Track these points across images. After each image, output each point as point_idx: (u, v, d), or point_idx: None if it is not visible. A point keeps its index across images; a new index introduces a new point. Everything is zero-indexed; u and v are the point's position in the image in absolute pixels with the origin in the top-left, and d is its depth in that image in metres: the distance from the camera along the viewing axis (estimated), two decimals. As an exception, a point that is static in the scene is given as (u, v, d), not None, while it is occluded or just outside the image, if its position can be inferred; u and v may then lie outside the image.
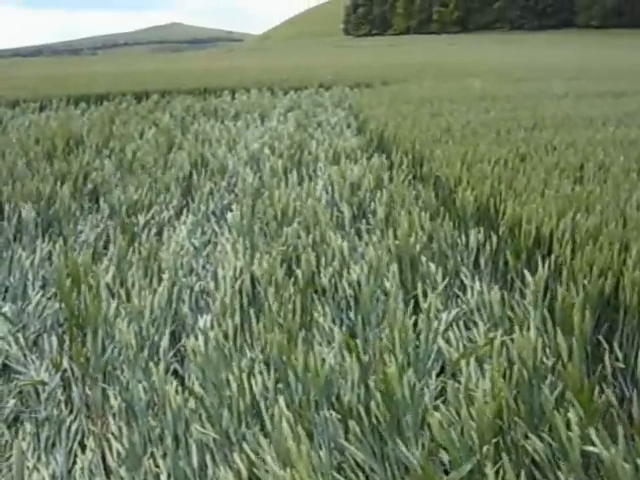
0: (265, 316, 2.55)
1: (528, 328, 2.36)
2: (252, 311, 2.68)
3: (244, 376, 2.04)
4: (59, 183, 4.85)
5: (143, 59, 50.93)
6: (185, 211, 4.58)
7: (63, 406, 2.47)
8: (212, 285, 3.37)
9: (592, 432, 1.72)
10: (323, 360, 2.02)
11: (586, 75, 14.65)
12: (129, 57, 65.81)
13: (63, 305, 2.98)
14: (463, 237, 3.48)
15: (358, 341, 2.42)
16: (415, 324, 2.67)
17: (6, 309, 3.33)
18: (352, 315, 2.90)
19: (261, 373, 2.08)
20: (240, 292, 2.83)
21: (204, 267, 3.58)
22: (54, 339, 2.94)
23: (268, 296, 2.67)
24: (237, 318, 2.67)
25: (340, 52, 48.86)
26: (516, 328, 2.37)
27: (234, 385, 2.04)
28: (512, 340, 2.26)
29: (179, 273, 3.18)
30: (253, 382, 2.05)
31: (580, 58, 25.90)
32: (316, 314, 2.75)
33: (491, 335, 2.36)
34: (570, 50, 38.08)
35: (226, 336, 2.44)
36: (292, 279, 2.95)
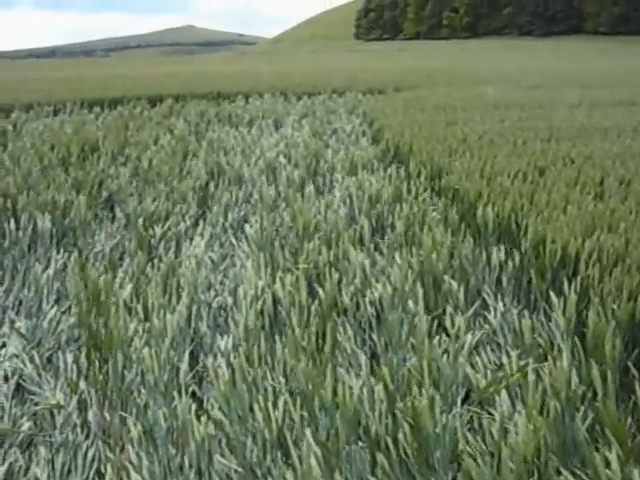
0: (288, 339, 2.49)
1: (556, 353, 2.28)
2: (274, 333, 2.62)
3: (269, 405, 1.97)
4: (74, 192, 4.81)
5: (156, 62, 51.02)
6: (202, 222, 4.51)
7: (79, 430, 2.39)
8: (230, 301, 3.31)
9: (634, 472, 1.64)
10: (351, 391, 1.94)
11: (598, 83, 14.53)
12: (142, 59, 65.95)
13: (79, 321, 2.93)
14: (484, 253, 3.40)
15: (383, 365, 2.35)
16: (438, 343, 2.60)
17: (20, 325, 3.27)
18: (375, 335, 2.83)
19: (286, 403, 2.01)
20: (261, 312, 2.76)
21: (222, 282, 3.51)
22: (69, 357, 2.88)
23: (292, 318, 2.59)
24: (258, 340, 2.59)
25: (351, 56, 48.78)
26: (545, 353, 2.29)
27: (258, 414, 1.97)
28: (542, 367, 2.18)
29: (198, 290, 3.11)
30: (278, 412, 1.98)
31: (590, 65, 25.74)
32: (339, 336, 2.67)
33: (522, 363, 2.27)
34: (579, 56, 37.89)
35: (248, 359, 2.36)
36: (314, 298, 2.88)
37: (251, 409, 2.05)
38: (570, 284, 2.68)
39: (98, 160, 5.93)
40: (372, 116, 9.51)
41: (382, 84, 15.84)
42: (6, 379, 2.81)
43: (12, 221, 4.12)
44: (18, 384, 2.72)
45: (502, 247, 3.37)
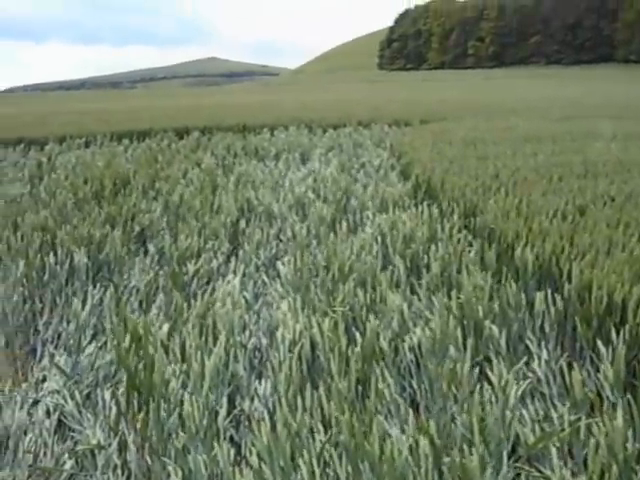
0: (327, 385, 2.46)
1: (606, 407, 2.23)
2: (313, 378, 2.60)
3: (313, 458, 1.94)
4: (108, 226, 4.89)
5: (181, 93, 51.97)
6: (234, 259, 4.53)
7: (120, 472, 2.40)
8: (264, 341, 3.31)
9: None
10: (398, 446, 1.91)
11: (631, 113, 14.43)
12: (168, 91, 67.29)
13: (119, 359, 2.93)
14: (524, 297, 3.35)
15: (426, 417, 2.32)
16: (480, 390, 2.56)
17: (60, 360, 3.32)
18: (414, 382, 2.80)
19: (331, 457, 1.98)
20: (299, 357, 2.75)
21: (256, 322, 3.51)
22: (107, 394, 2.90)
23: (331, 364, 2.58)
24: (297, 386, 2.58)
25: (375, 87, 49.23)
26: (593, 406, 2.24)
27: (302, 466, 1.94)
28: (593, 423, 2.13)
29: (234, 331, 3.11)
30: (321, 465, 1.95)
31: (622, 94, 25.60)
32: (378, 382, 2.64)
33: (571, 417, 2.22)
34: (610, 86, 37.73)
35: (289, 405, 2.34)
36: (350, 342, 2.86)
37: (292, 458, 2.03)
38: (618, 333, 2.63)
39: (130, 194, 6.03)
40: (400, 150, 9.54)
41: (408, 116, 15.91)
42: (48, 414, 2.88)
43: (51, 255, 4.23)
44: (59, 420, 2.78)
45: (544, 291, 3.32)
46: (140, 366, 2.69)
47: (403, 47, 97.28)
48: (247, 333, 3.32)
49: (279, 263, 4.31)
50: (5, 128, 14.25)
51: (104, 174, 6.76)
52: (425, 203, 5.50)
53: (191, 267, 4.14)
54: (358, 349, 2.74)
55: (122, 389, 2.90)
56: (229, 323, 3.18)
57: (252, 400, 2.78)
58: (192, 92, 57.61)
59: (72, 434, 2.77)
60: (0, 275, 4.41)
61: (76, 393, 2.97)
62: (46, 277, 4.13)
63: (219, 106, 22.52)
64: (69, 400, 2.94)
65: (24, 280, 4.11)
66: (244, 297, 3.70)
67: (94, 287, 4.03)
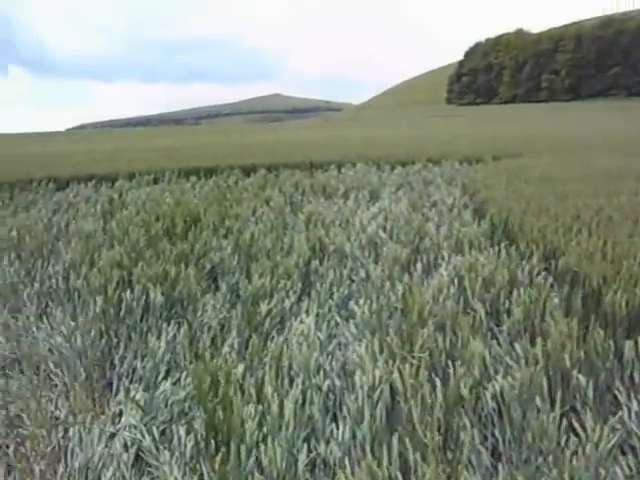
0: (406, 432, 2.49)
1: None
2: (389, 424, 2.63)
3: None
4: (181, 264, 5.08)
5: (246, 130, 53.33)
6: (306, 299, 4.62)
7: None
8: (338, 383, 3.36)
9: None
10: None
11: None
12: (232, 127, 69.18)
13: (198, 399, 3.04)
14: (612, 344, 3.30)
15: (506, 467, 2.31)
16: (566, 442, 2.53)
17: (137, 395, 3.46)
18: (497, 432, 2.79)
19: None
20: (377, 402, 2.79)
21: (330, 364, 3.57)
22: (182, 430, 3.00)
23: (413, 413, 2.61)
24: (376, 432, 2.62)
25: (444, 122, 49.25)
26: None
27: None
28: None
29: (310, 373, 3.18)
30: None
31: None
32: (460, 431, 2.65)
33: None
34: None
35: (373, 455, 2.39)
36: (433, 389, 2.88)
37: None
38: None
39: (200, 232, 6.25)
40: (473, 187, 9.53)
41: (480, 152, 15.87)
42: (126, 448, 3.03)
43: (128, 291, 4.44)
44: (137, 454, 2.91)
45: (633, 339, 3.27)
46: (216, 404, 2.78)
47: (473, 81, 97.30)
48: (321, 375, 3.39)
49: (352, 303, 4.38)
50: (77, 164, 15.01)
51: (175, 211, 7.03)
52: (502, 244, 5.48)
53: (264, 306, 4.25)
54: (440, 397, 2.76)
55: (196, 426, 3.02)
56: (305, 364, 3.26)
57: (327, 444, 2.84)
58: (256, 128, 59.09)
59: (149, 469, 2.89)
60: (79, 310, 4.65)
61: (153, 428, 3.10)
62: (122, 313, 4.34)
63: (284, 143, 23.05)
64: (146, 435, 3.07)
65: (101, 315, 4.32)
66: (318, 338, 3.78)
67: (168, 324, 4.21)
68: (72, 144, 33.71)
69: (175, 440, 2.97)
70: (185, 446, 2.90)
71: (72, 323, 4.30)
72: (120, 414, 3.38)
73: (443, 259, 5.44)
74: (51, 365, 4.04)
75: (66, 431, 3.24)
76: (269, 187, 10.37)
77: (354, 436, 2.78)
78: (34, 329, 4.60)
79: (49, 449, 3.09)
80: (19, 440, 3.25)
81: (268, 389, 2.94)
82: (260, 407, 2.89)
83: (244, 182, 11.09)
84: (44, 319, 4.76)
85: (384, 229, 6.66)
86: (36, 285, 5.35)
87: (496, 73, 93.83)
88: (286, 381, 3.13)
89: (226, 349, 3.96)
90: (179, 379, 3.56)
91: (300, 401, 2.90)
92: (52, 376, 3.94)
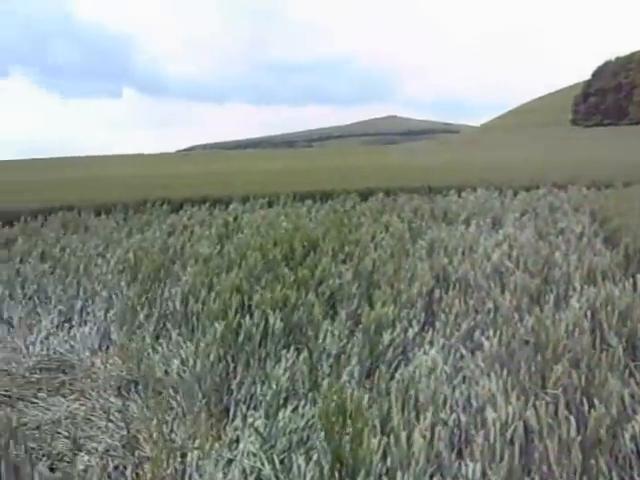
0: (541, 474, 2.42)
1: None
2: (522, 464, 2.56)
3: None
4: (301, 289, 5.18)
5: (359, 152, 53.82)
6: (429, 329, 4.59)
7: None
8: (463, 418, 3.30)
9: None
10: None
11: None
12: (345, 150, 70.03)
13: (325, 432, 3.06)
14: None
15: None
16: None
17: (256, 422, 3.54)
18: (636, 475, 2.65)
19: None
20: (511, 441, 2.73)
21: (456, 398, 3.52)
22: (301, 460, 3.04)
23: (549, 453, 2.53)
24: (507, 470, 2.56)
25: (570, 145, 47.60)
26: None
27: None
28: None
29: (437, 407, 3.15)
30: None
31: None
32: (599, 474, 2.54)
33: None
34: None
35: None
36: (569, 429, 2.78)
37: None
38: None
39: (319, 257, 6.32)
40: (603, 215, 9.15)
41: (609, 177, 15.26)
42: (244, 475, 3.10)
43: (248, 317, 4.55)
44: None
45: None
46: (345, 436, 2.81)
47: (601, 101, 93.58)
48: (447, 409, 3.35)
49: (478, 335, 4.31)
50: (190, 186, 15.66)
51: (293, 236, 7.17)
52: (639, 276, 5.22)
53: (386, 335, 4.26)
54: (579, 437, 2.67)
55: (316, 455, 3.05)
56: (432, 397, 3.24)
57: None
58: (370, 151, 59.48)
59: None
60: (197, 333, 4.78)
61: (274, 457, 3.14)
62: (241, 338, 4.39)
63: (400, 166, 23.10)
64: (266, 463, 3.13)
65: (220, 340, 4.37)
66: (444, 371, 3.74)
67: (287, 350, 4.24)
68: (183, 165, 35.24)
69: (294, 469, 3.01)
70: (304, 476, 2.93)
71: (192, 347, 4.40)
72: (237, 440, 3.44)
73: (574, 290, 5.25)
74: (168, 388, 4.15)
75: (184, 456, 3.31)
76: (387, 212, 10.40)
77: (484, 474, 2.73)
78: (150, 351, 4.76)
79: (167, 473, 3.16)
80: (137, 462, 3.35)
81: (395, 421, 2.94)
82: (385, 439, 2.89)
83: (361, 206, 11.19)
84: (160, 341, 4.93)
85: (509, 257, 6.50)
86: (153, 307, 5.53)
87: (626, 93, 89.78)
88: (412, 414, 3.12)
89: (345, 377, 3.98)
90: (297, 407, 3.59)
91: (428, 436, 2.88)
92: (169, 399, 4.04)
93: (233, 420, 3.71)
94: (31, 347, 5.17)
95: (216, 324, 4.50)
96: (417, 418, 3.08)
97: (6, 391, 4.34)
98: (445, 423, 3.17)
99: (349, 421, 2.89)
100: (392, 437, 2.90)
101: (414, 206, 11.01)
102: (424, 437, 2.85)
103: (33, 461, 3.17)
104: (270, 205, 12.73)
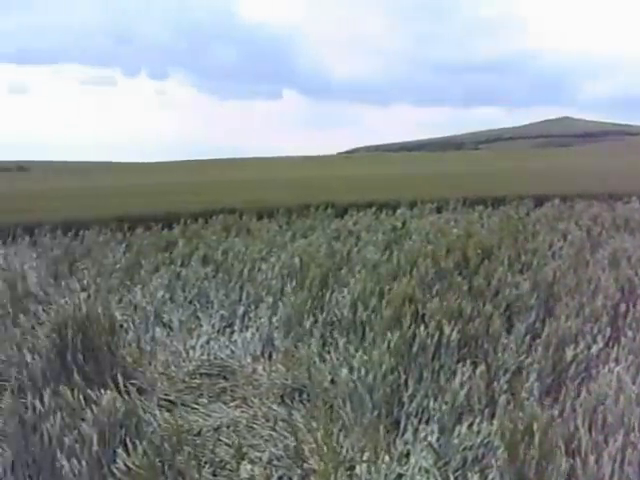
0: None
1: None
2: None
3: None
4: (477, 300, 5.10)
5: (531, 155, 51.85)
6: (616, 345, 4.39)
7: None
8: None
9: None
10: None
11: None
12: (515, 152, 67.80)
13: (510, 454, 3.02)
14: None
15: None
16: None
17: (429, 437, 3.53)
18: None
19: None
20: None
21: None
22: (475, 478, 3.04)
23: None
24: None
25: None
26: None
27: None
28: None
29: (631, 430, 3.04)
30: None
31: None
32: None
33: None
34: None
35: None
36: None
37: None
38: None
39: (494, 266, 6.20)
40: None
41: None
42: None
43: (422, 327, 4.45)
44: None
45: None
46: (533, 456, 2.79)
47: None
48: (637, 431, 3.20)
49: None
50: (354, 189, 15.73)
51: (466, 244, 7.09)
52: None
53: (569, 351, 4.14)
54: None
55: (492, 474, 3.03)
56: (621, 418, 3.13)
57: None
58: (543, 154, 57.09)
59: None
60: (367, 343, 4.67)
61: (449, 474, 3.12)
62: (415, 349, 4.29)
63: (576, 170, 22.01)
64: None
65: (393, 350, 4.24)
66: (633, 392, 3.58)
67: (463, 363, 4.13)
68: (346, 168, 35.39)
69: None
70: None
71: (363, 356, 4.22)
72: (407, 455, 3.40)
73: None
74: (336, 398, 4.04)
75: (352, 468, 3.26)
76: (565, 219, 10.01)
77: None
78: (316, 359, 4.69)
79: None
80: (302, 473, 3.31)
81: (583, 442, 2.88)
82: (571, 461, 2.84)
83: (535, 213, 10.85)
84: (327, 349, 4.87)
85: None
86: (319, 314, 5.42)
87: None
88: (600, 436, 3.03)
89: (524, 394, 3.90)
90: (472, 423, 3.51)
91: (619, 459, 2.80)
92: (335, 408, 3.95)
93: (404, 434, 3.65)
94: (191, 351, 5.17)
95: (389, 333, 4.41)
96: (605, 440, 2.99)
97: (166, 395, 4.36)
98: (635, 447, 3.05)
99: (535, 441, 2.86)
100: (578, 459, 2.83)
101: (593, 213, 10.50)
102: (614, 460, 2.77)
103: (198, 467, 3.24)
104: (439, 210, 12.58)
